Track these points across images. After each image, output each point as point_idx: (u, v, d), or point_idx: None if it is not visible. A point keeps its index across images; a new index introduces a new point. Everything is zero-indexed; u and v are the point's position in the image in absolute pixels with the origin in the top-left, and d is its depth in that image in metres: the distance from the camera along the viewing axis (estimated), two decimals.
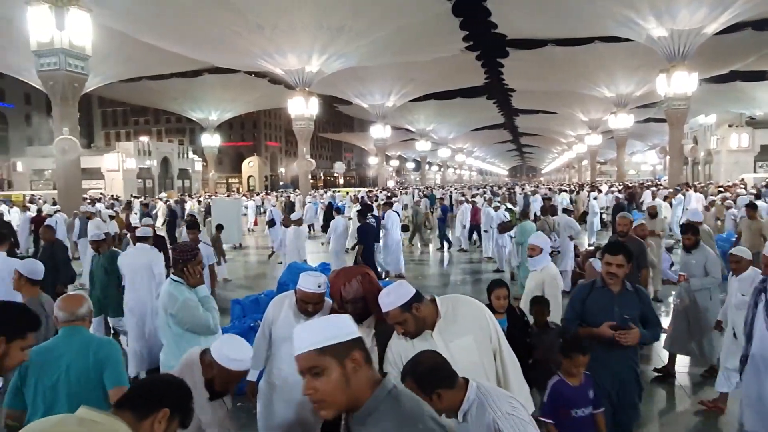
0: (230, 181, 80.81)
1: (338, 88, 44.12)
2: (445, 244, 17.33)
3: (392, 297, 2.47)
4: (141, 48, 30.87)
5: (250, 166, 76.14)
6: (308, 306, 3.05)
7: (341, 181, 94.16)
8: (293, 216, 10.36)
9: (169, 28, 28.24)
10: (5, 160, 59.03)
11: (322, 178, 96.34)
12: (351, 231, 12.86)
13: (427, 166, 79.81)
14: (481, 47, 34.93)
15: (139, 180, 53.53)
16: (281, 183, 77.81)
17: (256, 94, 49.52)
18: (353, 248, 11.50)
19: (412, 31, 29.07)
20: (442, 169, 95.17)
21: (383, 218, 12.40)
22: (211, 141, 53.66)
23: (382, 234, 11.67)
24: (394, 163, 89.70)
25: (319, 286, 3.03)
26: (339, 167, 59.37)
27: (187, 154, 65.17)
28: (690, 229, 6.04)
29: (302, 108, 33.17)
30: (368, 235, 10.05)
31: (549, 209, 10.97)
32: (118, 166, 50.02)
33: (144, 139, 60.10)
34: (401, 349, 2.58)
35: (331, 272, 3.30)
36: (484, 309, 2.64)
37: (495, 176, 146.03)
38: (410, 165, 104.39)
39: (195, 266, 3.70)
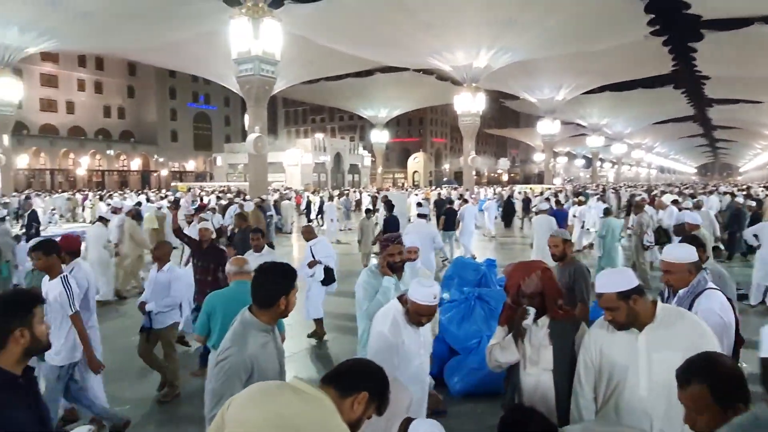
0: (396, 176, 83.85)
1: (505, 83, 43.20)
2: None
3: (614, 280, 2.39)
4: (320, 52, 33.48)
5: (416, 161, 78.14)
6: (422, 318, 2.93)
7: (505, 177, 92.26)
8: (420, 210, 10.40)
9: (346, 31, 30.14)
10: (208, 155, 68.38)
11: (486, 174, 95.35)
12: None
13: (599, 163, 74.61)
14: (670, 31, 31.41)
15: (314, 174, 58.06)
16: (445, 179, 78.66)
17: (424, 91, 50.64)
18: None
19: (587, 19, 27.25)
20: (616, 166, 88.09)
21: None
22: (380, 137, 56.26)
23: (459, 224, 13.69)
24: (562, 159, 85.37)
25: (435, 298, 2.87)
26: (503, 164, 58.25)
27: (358, 149, 69.04)
28: None
29: (469, 104, 33.14)
30: (392, 227, 11.30)
31: (636, 207, 11.75)
32: (297, 161, 54.80)
33: (320, 136, 65.06)
34: (600, 338, 2.49)
35: (508, 265, 3.14)
36: (710, 337, 2.37)
37: (680, 174, 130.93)
38: (579, 162, 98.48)
39: (386, 255, 3.81)
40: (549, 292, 2.71)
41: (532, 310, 2.70)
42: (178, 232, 6.87)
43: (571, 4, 25.74)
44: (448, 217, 13.61)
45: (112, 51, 41.28)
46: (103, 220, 10.42)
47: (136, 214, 11.43)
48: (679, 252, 3.08)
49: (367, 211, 13.42)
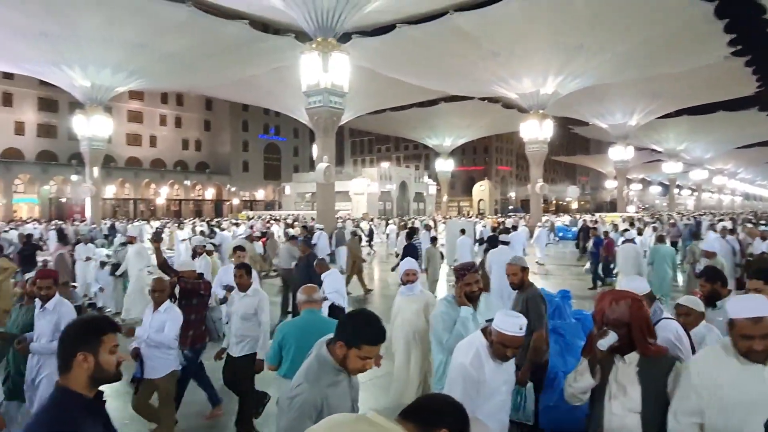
0: (461, 204, 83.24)
1: (574, 109, 42.27)
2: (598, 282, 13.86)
3: (751, 305, 2.22)
4: (386, 83, 34.17)
5: (481, 189, 77.33)
6: (507, 351, 2.81)
7: (574, 205, 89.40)
8: (503, 238, 10.42)
9: (412, 63, 30.64)
10: (277, 185, 70.69)
11: (554, 202, 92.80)
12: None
13: (676, 190, 70.88)
14: (754, 50, 29.84)
15: (380, 202, 58.60)
16: (510, 207, 77.22)
17: (489, 119, 50.38)
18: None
19: (662, 42, 26.33)
20: (695, 194, 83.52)
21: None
22: (445, 166, 56.29)
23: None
24: (636, 186, 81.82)
25: (521, 329, 2.75)
26: (572, 191, 56.44)
27: (423, 178, 69.27)
28: None
29: (536, 131, 32.59)
30: (411, 254, 11.19)
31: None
32: (363, 189, 55.59)
33: (385, 165, 65.84)
34: (714, 372, 2.28)
35: (598, 293, 2.98)
36: None
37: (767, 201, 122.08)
38: (655, 189, 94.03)
39: (463, 285, 3.74)
40: (637, 323, 2.52)
41: (613, 334, 2.53)
42: (163, 265, 6.36)
43: (643, 27, 25.01)
44: (492, 244, 13.53)
45: (192, 88, 44.05)
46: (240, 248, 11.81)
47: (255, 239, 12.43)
48: (634, 285, 3.14)
49: (433, 239, 13.34)
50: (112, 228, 28.97)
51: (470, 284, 3.70)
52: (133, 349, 4.61)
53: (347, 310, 6.84)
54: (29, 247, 13.29)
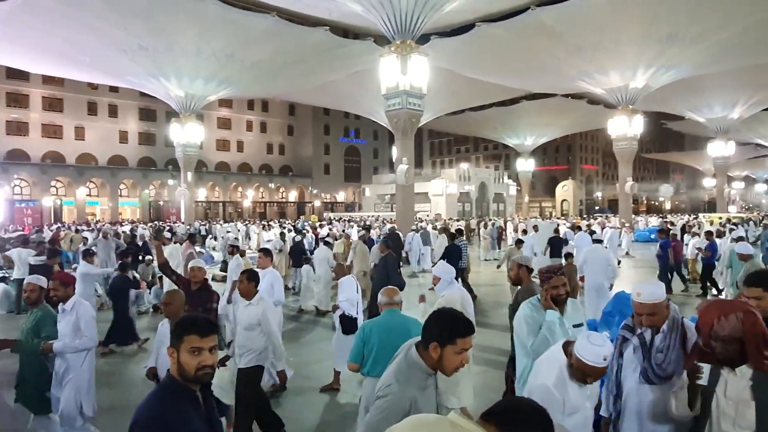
0: (543, 204, 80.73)
1: (667, 103, 39.75)
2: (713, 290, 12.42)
3: None
4: (465, 83, 33.81)
5: (565, 189, 74.58)
6: (587, 378, 2.61)
7: (668, 205, 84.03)
8: (595, 236, 9.94)
9: (492, 61, 30.12)
10: (357, 186, 71.94)
11: (645, 202, 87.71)
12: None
13: None
14: None
15: (459, 203, 58.02)
16: (596, 207, 73.90)
17: (573, 117, 48.52)
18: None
19: None
20: None
21: None
22: (526, 165, 54.86)
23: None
24: (738, 185, 75.59)
25: (605, 359, 2.52)
26: (665, 190, 52.97)
27: (503, 179, 67.85)
28: None
29: (624, 127, 31.00)
30: (454, 255, 11.51)
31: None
32: (442, 190, 55.28)
33: (464, 165, 65.11)
34: None
35: (701, 302, 2.73)
36: None
37: None
38: (761, 187, 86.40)
39: (549, 288, 3.60)
40: (750, 338, 2.31)
41: (706, 367, 2.32)
42: (164, 266, 5.91)
43: (748, 12, 23.07)
44: (554, 245, 13.94)
45: (276, 94, 45.89)
46: (327, 243, 12.67)
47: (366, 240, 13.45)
48: (657, 291, 2.84)
49: (517, 241, 13.00)
50: (208, 230, 30.81)
51: (557, 287, 3.54)
52: (148, 369, 4.46)
53: (360, 320, 6.56)
54: (133, 247, 14.33)
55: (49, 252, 10.57)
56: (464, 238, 14.16)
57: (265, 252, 7.33)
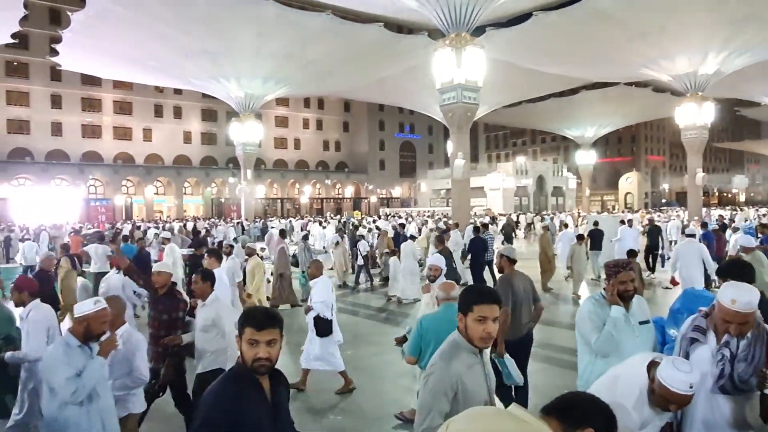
0: (605, 198, 77.97)
1: (741, 89, 37.41)
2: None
3: None
4: (521, 75, 33.07)
5: (628, 182, 71.79)
6: (671, 405, 2.39)
7: (742, 197, 79.24)
8: (688, 231, 9.60)
9: (550, 51, 29.28)
10: (412, 182, 71.94)
11: (716, 194, 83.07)
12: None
13: None
14: None
15: (516, 197, 56.97)
16: (663, 200, 70.65)
17: (637, 106, 46.58)
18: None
19: None
20: None
21: None
22: (586, 158, 53.07)
23: None
24: None
25: (691, 387, 2.28)
26: (740, 182, 49.95)
27: (561, 171, 66.01)
28: None
29: (693, 116, 29.43)
30: (479, 247, 12.37)
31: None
32: (498, 185, 54.44)
33: (521, 159, 63.82)
34: None
35: None
36: None
37: None
38: None
39: (616, 283, 3.40)
40: None
41: None
42: (129, 269, 5.41)
43: None
44: (594, 238, 14.23)
45: (332, 92, 46.49)
46: (413, 237, 13.78)
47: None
48: (754, 300, 2.62)
49: (579, 236, 12.63)
50: (265, 227, 31.67)
51: (625, 282, 3.39)
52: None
53: (335, 322, 6.41)
54: (197, 242, 14.89)
55: (197, 243, 11.57)
56: (490, 230, 14.92)
57: (211, 252, 7.63)
